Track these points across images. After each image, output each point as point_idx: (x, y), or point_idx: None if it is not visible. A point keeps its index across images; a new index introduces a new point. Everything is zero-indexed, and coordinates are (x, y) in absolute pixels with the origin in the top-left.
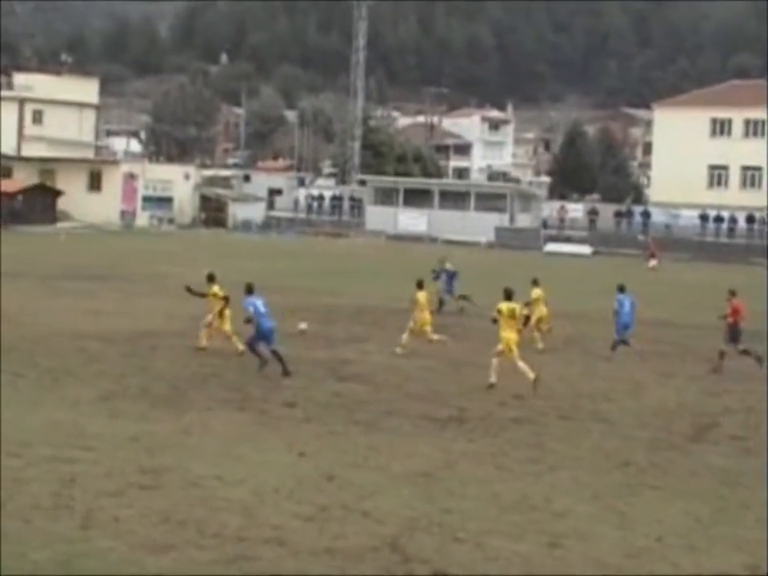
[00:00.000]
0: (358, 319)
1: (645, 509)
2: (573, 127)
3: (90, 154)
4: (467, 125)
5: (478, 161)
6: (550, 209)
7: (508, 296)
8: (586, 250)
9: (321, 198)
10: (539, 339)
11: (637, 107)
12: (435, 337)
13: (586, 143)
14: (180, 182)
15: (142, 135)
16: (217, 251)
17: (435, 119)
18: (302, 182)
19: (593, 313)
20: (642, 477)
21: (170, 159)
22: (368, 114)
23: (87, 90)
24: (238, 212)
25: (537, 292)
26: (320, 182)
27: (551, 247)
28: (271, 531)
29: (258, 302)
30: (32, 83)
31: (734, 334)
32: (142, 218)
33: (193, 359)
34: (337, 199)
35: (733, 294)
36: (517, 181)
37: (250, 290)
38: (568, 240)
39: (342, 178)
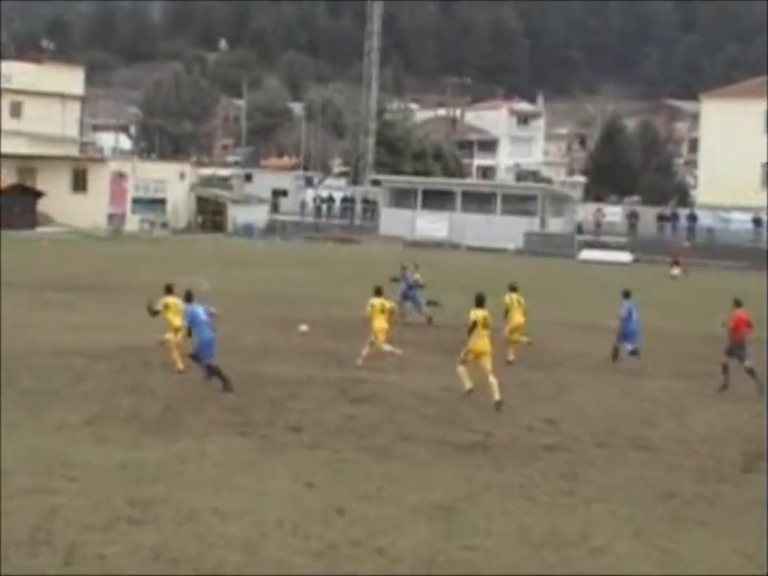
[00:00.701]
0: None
1: (690, 546)
2: (610, 121)
3: (74, 151)
4: (493, 118)
5: (505, 158)
6: (585, 212)
7: (480, 302)
8: (625, 257)
9: (330, 199)
10: (511, 351)
11: (682, 99)
12: (387, 348)
13: (626, 139)
14: (174, 182)
15: (132, 130)
16: (215, 258)
17: (457, 112)
18: (309, 182)
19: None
20: (687, 511)
21: (163, 157)
22: (383, 107)
23: (71, 79)
24: (238, 215)
25: (513, 297)
26: (329, 182)
27: (586, 254)
28: (274, 569)
29: (199, 310)
30: (10, 72)
31: (732, 346)
32: (132, 222)
33: (188, 378)
34: (348, 201)
35: (738, 304)
36: (548, 181)
37: (188, 298)
38: (605, 247)
39: (353, 177)
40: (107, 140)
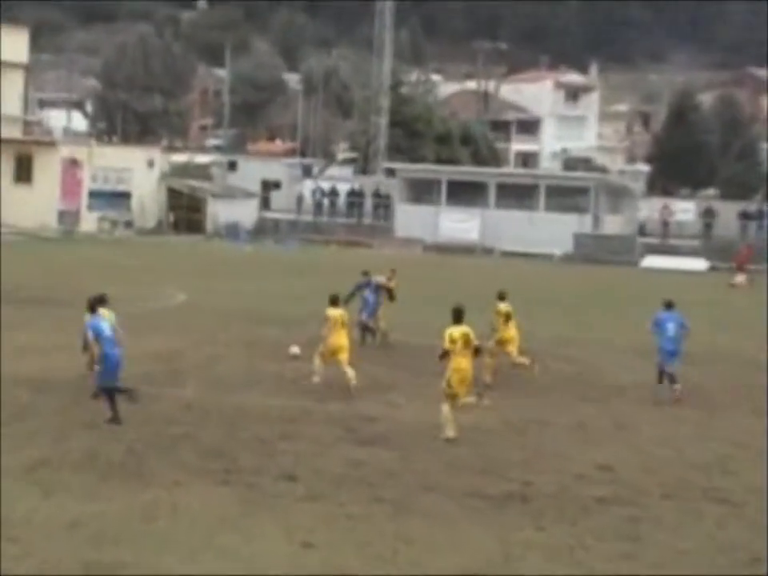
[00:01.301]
0: (383, 360)
1: None
2: (681, 96)
3: (16, 133)
4: (535, 93)
5: (550, 142)
6: (648, 208)
7: (458, 317)
8: (699, 264)
9: (333, 193)
10: (488, 371)
11: None
12: (349, 371)
13: (700, 118)
14: (140, 171)
15: (88, 107)
16: (191, 266)
17: (491, 85)
18: (307, 172)
19: (711, 354)
20: None
21: (127, 140)
22: (398, 79)
23: (12, 44)
24: (220, 212)
25: (502, 307)
26: (333, 171)
27: (651, 261)
28: None
29: (104, 324)
30: None
31: None
32: (89, 221)
33: (158, 413)
34: (355, 195)
35: None
36: (603, 170)
37: (92, 307)
38: (674, 252)
39: (362, 166)
40: (57, 119)
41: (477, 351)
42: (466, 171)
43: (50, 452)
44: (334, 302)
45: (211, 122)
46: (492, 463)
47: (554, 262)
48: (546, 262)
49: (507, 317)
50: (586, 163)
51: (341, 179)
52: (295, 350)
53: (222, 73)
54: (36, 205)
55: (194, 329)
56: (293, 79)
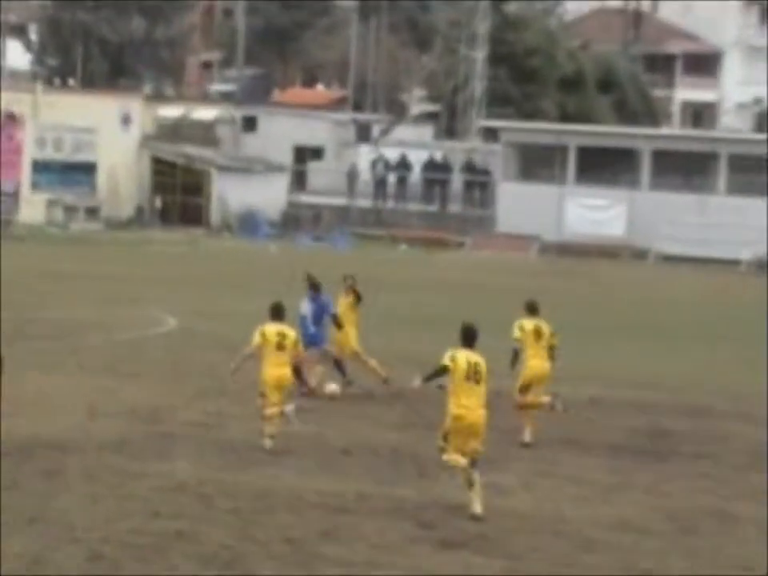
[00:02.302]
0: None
1: None
2: None
3: None
4: (713, 14)
5: (735, 89)
6: None
7: (469, 339)
8: None
9: (404, 165)
10: (526, 423)
11: None
12: (290, 410)
13: None
14: (111, 131)
15: (33, 34)
16: (185, 276)
17: (644, 2)
18: (364, 134)
19: None
20: None
21: (91, 84)
22: None
23: None
24: (230, 194)
25: (528, 327)
26: (403, 132)
27: None
28: None
29: None
30: None
31: None
32: (33, 207)
33: (138, 499)
34: (437, 169)
35: None
36: None
37: None
38: None
39: (447, 124)
40: None
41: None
42: (607, 133)
43: None
44: (277, 313)
45: (218, 58)
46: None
47: (741, 271)
48: (730, 270)
49: (537, 337)
50: None
51: (414, 145)
52: (333, 387)
53: None
54: None
55: (190, 370)
56: None
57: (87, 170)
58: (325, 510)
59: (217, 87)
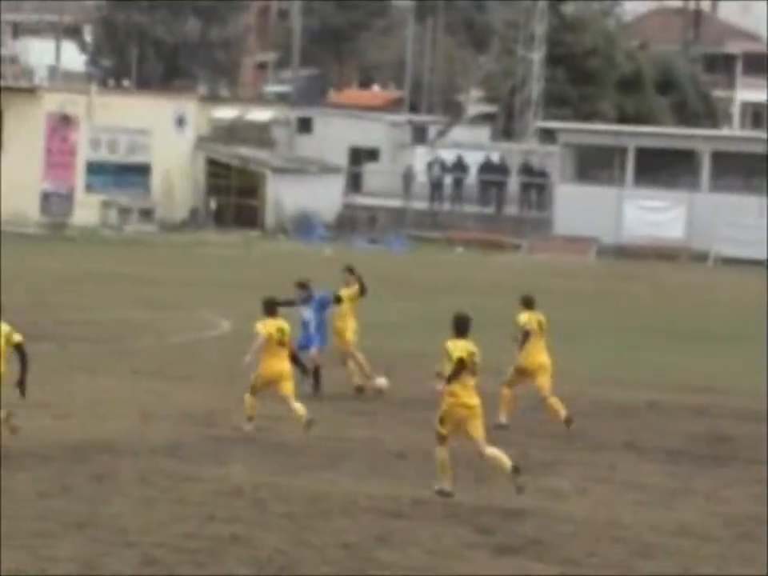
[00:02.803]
0: (538, 427)
1: None
2: None
3: None
4: None
5: None
6: None
7: (462, 328)
8: None
9: (460, 167)
10: (504, 404)
11: None
12: (299, 408)
13: None
14: (166, 133)
15: (87, 35)
16: (239, 278)
17: (704, 1)
18: (420, 135)
19: None
20: None
21: (146, 86)
22: None
23: None
24: (285, 196)
25: (524, 319)
26: (459, 134)
27: None
28: None
29: None
30: None
31: None
32: (87, 209)
33: (191, 503)
34: (493, 171)
35: None
36: None
37: None
38: None
39: (504, 125)
40: (40, 53)
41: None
42: (666, 134)
43: (27, 563)
44: (271, 308)
45: (274, 58)
46: None
47: None
48: None
49: (539, 330)
50: None
51: (471, 146)
52: (382, 381)
53: None
54: (7, 184)
55: (243, 374)
56: None
57: (141, 171)
58: (380, 514)
59: (272, 88)
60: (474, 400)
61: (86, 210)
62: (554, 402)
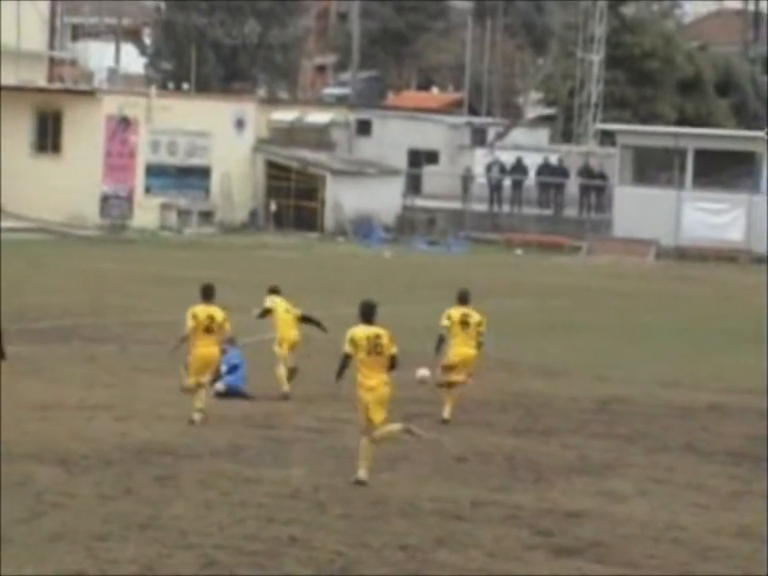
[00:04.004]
0: (601, 428)
1: None
2: None
3: (37, 78)
4: None
5: None
6: None
7: (368, 314)
8: None
9: (519, 169)
10: (447, 400)
11: None
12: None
13: None
14: (225, 135)
15: (147, 38)
16: (299, 280)
17: (764, 2)
18: (479, 137)
19: None
20: None
21: (205, 89)
22: None
23: None
24: (344, 199)
25: (456, 315)
26: (518, 136)
27: None
28: None
29: None
30: None
31: None
32: (147, 211)
33: (251, 504)
34: (552, 173)
35: None
36: None
37: None
38: None
39: (563, 128)
40: (99, 56)
41: (393, 363)
42: (725, 136)
43: (88, 565)
44: (207, 294)
45: (333, 61)
46: None
47: None
48: None
49: (464, 326)
50: None
51: (530, 148)
52: (424, 372)
53: None
54: (67, 186)
55: (302, 376)
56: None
57: (201, 173)
58: (440, 516)
59: (331, 91)
60: (374, 381)
61: (146, 213)
62: (456, 396)
